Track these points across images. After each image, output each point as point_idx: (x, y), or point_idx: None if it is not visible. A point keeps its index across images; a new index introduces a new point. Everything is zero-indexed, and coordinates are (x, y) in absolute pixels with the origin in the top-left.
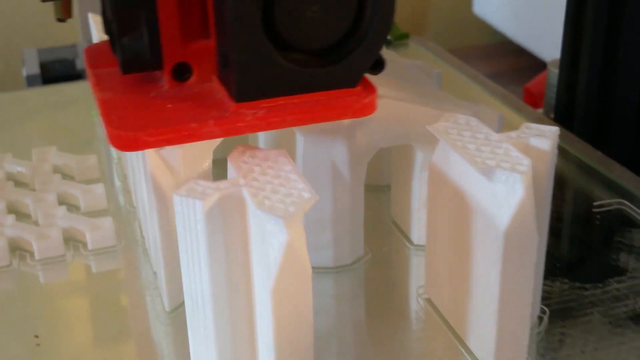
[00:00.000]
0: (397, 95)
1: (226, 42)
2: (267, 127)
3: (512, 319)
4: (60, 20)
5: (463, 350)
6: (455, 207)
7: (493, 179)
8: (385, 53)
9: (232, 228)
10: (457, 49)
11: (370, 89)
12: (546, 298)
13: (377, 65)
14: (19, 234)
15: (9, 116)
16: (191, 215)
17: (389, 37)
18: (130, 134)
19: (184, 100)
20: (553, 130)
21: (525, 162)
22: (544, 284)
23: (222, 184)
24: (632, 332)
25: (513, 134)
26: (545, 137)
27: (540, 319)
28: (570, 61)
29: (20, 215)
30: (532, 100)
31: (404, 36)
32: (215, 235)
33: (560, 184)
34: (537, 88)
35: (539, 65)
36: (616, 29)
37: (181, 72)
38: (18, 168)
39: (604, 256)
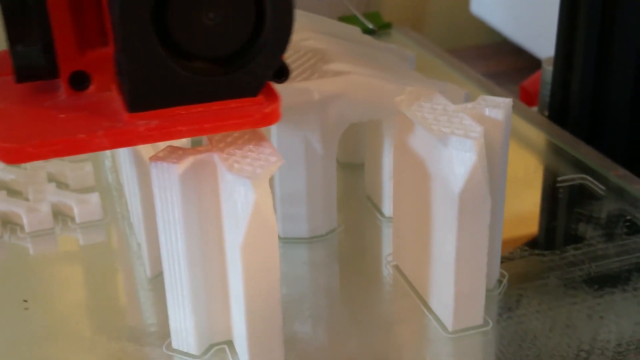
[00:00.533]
0: (365, 72)
1: (117, 48)
2: (162, 137)
3: (469, 280)
4: None
5: (426, 312)
6: (417, 175)
7: (448, 145)
8: (360, 36)
9: (204, 190)
10: (455, 49)
11: (273, 97)
12: (506, 263)
13: (281, 73)
14: (9, 208)
15: None
16: (166, 179)
17: (372, 27)
18: (14, 145)
19: (79, 110)
20: (507, 102)
21: (477, 129)
22: (505, 252)
23: (195, 150)
24: (584, 294)
25: (469, 105)
26: (499, 107)
27: (500, 282)
28: (564, 59)
29: (11, 192)
30: (528, 98)
31: (387, 26)
32: (189, 197)
33: (528, 161)
34: (533, 87)
35: (536, 64)
36: (610, 26)
37: (78, 81)
38: None
39: (564, 226)
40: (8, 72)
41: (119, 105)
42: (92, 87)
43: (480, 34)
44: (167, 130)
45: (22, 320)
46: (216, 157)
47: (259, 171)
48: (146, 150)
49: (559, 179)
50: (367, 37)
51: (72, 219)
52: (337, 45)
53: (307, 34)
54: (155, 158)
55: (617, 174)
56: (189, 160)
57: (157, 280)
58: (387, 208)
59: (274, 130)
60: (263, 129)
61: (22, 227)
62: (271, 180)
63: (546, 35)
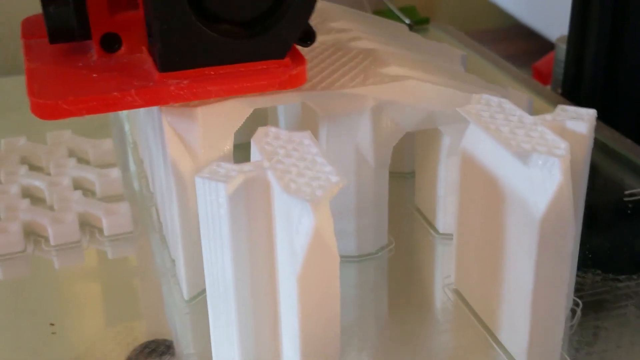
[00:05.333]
0: (423, 77)
1: (149, 11)
2: (192, 97)
3: (547, 312)
4: None
5: (494, 344)
6: (487, 193)
7: (529, 163)
8: (408, 35)
9: (256, 212)
10: (468, 33)
11: (299, 60)
12: (579, 290)
13: (307, 37)
14: (33, 218)
15: (23, 99)
16: (214, 199)
17: (409, 22)
18: (50, 102)
19: (110, 70)
20: (590, 113)
21: (562, 146)
22: (577, 276)
23: (245, 166)
24: None
25: (548, 116)
26: (582, 120)
27: (574, 311)
28: (578, 36)
29: (35, 199)
30: (541, 78)
31: (425, 21)
32: (238, 220)
33: (589, 172)
34: (545, 67)
35: (547, 48)
36: (624, 3)
37: (110, 43)
38: (32, 151)
39: (638, 246)
40: (41, 35)
41: (150, 66)
42: (122, 49)
43: (493, 18)
44: (197, 90)
45: (50, 347)
46: (270, 174)
47: (319, 193)
48: (185, 162)
49: (626, 192)
50: (416, 36)
51: (100, 230)
52: (389, 46)
53: (356, 33)
54: (201, 175)
55: None
56: (239, 178)
57: (195, 302)
58: (442, 224)
59: (322, 138)
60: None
61: (46, 239)
62: None
63: (558, 17)
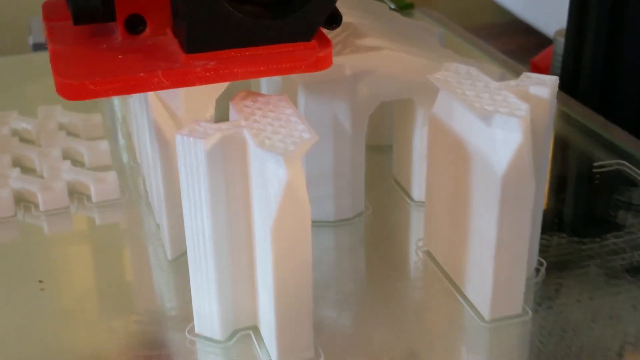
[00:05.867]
0: (399, 48)
1: None
2: (218, 78)
3: (509, 266)
4: None
5: (460, 298)
6: (454, 156)
7: (491, 123)
8: (388, 13)
9: (233, 167)
10: (465, 28)
11: (325, 43)
12: (544, 251)
13: (333, 20)
14: (24, 185)
15: (16, 77)
16: (193, 155)
17: (394, 7)
18: (76, 82)
19: (136, 51)
20: (552, 79)
21: (523, 107)
22: (543, 238)
23: (223, 125)
24: (627, 283)
25: (513, 82)
26: (544, 85)
27: (538, 270)
28: (576, 30)
29: (25, 169)
30: (539, 73)
31: (409, 6)
32: (216, 175)
33: (562, 145)
34: (543, 62)
35: (544, 44)
36: None
37: (134, 24)
38: (23, 125)
39: (603, 213)
40: (61, 18)
41: (175, 47)
42: (147, 31)
43: (490, 13)
44: (223, 72)
45: (38, 301)
46: (246, 132)
47: (292, 148)
48: (168, 126)
49: (595, 164)
50: (395, 14)
51: (88, 197)
52: (367, 21)
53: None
54: (181, 133)
55: None
56: (216, 136)
57: (177, 262)
58: (417, 191)
59: (301, 106)
60: None
61: (36, 206)
62: None
63: (556, 14)
